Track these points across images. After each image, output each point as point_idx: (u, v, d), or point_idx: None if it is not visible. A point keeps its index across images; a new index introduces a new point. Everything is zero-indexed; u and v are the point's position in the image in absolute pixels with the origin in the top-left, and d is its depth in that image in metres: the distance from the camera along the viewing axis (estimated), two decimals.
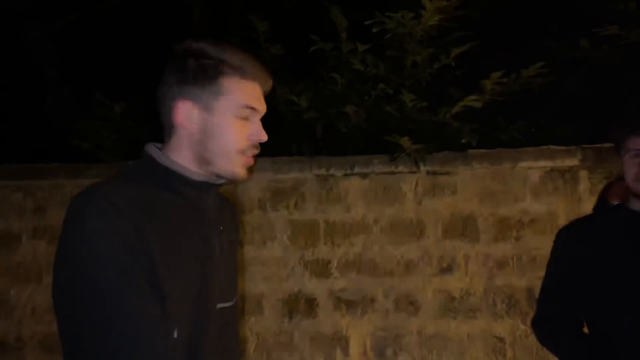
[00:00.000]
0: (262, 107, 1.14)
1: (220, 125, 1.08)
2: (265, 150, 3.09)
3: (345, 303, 2.77)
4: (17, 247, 2.90)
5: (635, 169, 1.53)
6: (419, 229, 2.80)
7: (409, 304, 2.75)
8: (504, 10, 3.65)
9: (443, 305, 2.73)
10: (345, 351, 2.75)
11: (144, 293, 0.97)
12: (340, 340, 2.75)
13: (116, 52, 3.88)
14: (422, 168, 2.79)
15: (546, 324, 1.68)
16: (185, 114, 1.09)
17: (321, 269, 2.80)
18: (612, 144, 1.63)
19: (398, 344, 2.73)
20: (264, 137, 1.13)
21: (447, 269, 2.76)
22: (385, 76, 3.00)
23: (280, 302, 2.79)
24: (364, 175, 2.84)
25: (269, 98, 3.02)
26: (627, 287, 1.53)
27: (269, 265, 2.79)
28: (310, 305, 2.79)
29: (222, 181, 1.14)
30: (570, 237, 1.67)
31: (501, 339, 2.67)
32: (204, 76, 1.08)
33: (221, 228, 1.14)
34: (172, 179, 1.09)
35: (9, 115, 3.92)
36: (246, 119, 1.10)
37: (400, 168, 2.81)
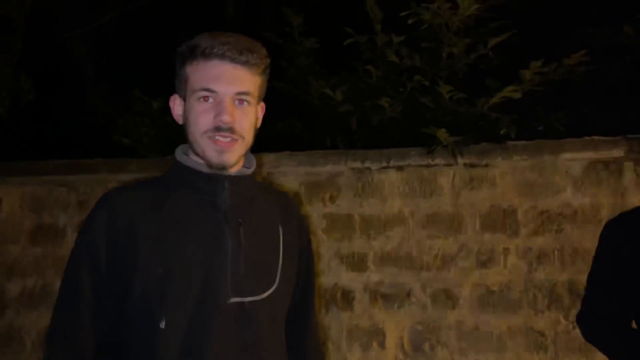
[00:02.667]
0: (222, 87, 1.09)
1: (189, 112, 1.11)
2: (300, 144, 3.10)
3: (381, 296, 2.77)
4: (62, 241, 2.99)
5: None
6: (456, 222, 2.77)
7: (447, 298, 2.72)
8: None
9: (482, 299, 2.69)
10: (383, 344, 2.74)
11: (93, 291, 1.12)
12: (377, 334, 2.75)
13: (154, 48, 3.95)
14: (460, 160, 2.75)
15: (593, 320, 1.63)
16: (174, 106, 1.17)
17: (357, 263, 2.80)
18: None
19: (436, 338, 2.71)
20: (226, 119, 1.09)
21: (485, 263, 2.72)
22: (420, 68, 2.96)
23: (317, 296, 2.80)
24: (400, 168, 2.82)
25: (302, 92, 2.98)
26: None
27: None
28: (347, 298, 2.79)
29: (235, 173, 1.14)
30: (617, 231, 1.62)
31: (542, 334, 2.62)
32: (178, 69, 1.14)
33: (240, 220, 1.13)
34: (187, 174, 1.14)
35: (52, 112, 4.04)
36: (206, 100, 1.09)
37: (437, 160, 2.77)
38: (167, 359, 1.04)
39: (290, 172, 2.83)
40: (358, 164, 2.83)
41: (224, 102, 1.09)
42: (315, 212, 2.84)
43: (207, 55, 1.09)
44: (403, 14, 2.92)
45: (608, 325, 1.61)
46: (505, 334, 2.66)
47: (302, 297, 1.30)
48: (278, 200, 1.27)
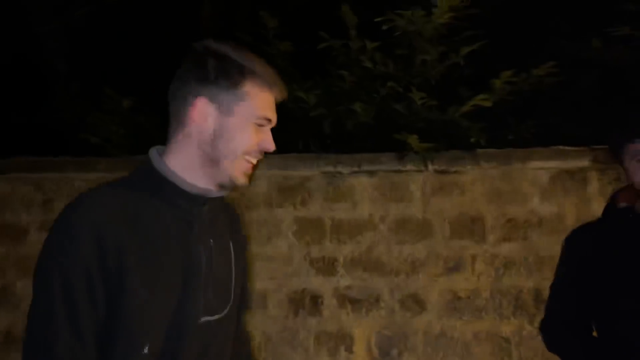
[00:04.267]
0: (275, 119, 1.17)
1: (236, 128, 1.10)
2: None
3: (350, 301, 2.76)
4: (24, 240, 2.92)
5: None
6: (426, 228, 2.79)
7: (415, 303, 2.74)
8: (515, 9, 3.62)
9: (449, 305, 2.72)
10: (350, 349, 2.74)
11: (79, 326, 1.02)
12: (345, 339, 2.75)
13: (126, 46, 3.89)
14: (430, 167, 2.77)
15: (555, 328, 1.66)
16: (202, 111, 1.10)
17: (327, 267, 2.80)
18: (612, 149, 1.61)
19: (403, 344, 2.72)
20: (272, 147, 1.15)
21: (453, 269, 2.74)
22: (394, 74, 2.99)
23: (285, 299, 2.79)
24: (371, 173, 2.83)
25: None
26: (636, 290, 1.52)
27: (274, 262, 2.79)
28: (315, 302, 2.78)
29: (219, 194, 1.14)
30: (580, 240, 1.66)
31: (507, 340, 2.65)
32: (226, 78, 1.10)
33: (211, 241, 1.14)
34: (166, 188, 1.10)
35: (19, 108, 3.94)
36: (261, 126, 1.12)
37: (408, 166, 2.80)
38: None
39: (260, 175, 2.82)
40: (330, 168, 2.84)
41: (269, 132, 1.16)
42: (286, 216, 2.82)
43: (271, 85, 1.12)
44: (378, 19, 2.94)
45: (569, 332, 1.64)
46: (471, 339, 2.69)
47: (241, 309, 1.31)
48: (227, 213, 1.26)
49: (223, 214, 1.21)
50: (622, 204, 1.61)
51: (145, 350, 1.03)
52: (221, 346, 1.17)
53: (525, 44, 3.46)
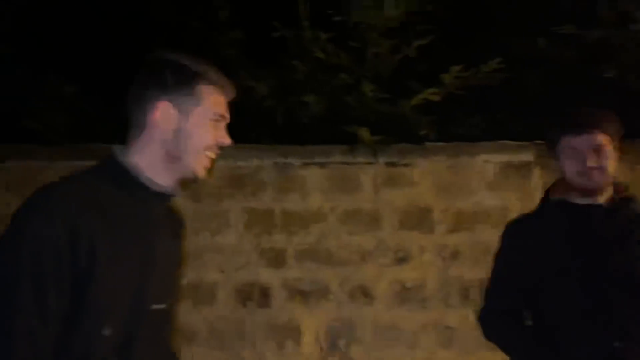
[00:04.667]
0: (228, 117, 1.29)
1: (195, 127, 1.21)
2: None
3: (299, 293, 2.76)
4: None
5: (576, 165, 1.57)
6: (375, 219, 2.81)
7: (364, 294, 2.76)
8: (466, 6, 3.68)
9: (397, 296, 2.75)
10: (298, 341, 2.73)
11: (46, 317, 1.07)
12: (293, 331, 2.74)
13: (72, 32, 3.74)
14: (381, 159, 2.79)
15: (492, 318, 1.70)
16: (163, 114, 1.21)
17: (276, 258, 2.78)
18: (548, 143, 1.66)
19: (351, 335, 2.74)
20: (228, 141, 1.26)
21: (402, 260, 2.78)
22: (346, 66, 2.99)
23: (234, 291, 2.76)
24: (322, 165, 2.83)
25: None
26: (566, 279, 1.57)
27: (224, 253, 2.75)
28: (265, 294, 2.76)
29: (178, 191, 1.27)
30: (516, 232, 1.70)
31: (453, 329, 2.71)
32: (183, 83, 1.22)
33: (164, 236, 1.26)
34: (130, 182, 1.21)
35: None
36: (217, 122, 1.24)
37: (359, 159, 2.81)
38: None
39: None
40: (281, 159, 2.82)
41: (225, 128, 1.27)
42: (236, 207, 2.79)
43: (222, 86, 1.26)
44: (330, 11, 2.93)
45: (506, 322, 1.68)
46: (419, 329, 2.73)
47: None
48: (174, 217, 1.35)
49: (173, 215, 1.33)
50: (556, 196, 1.67)
51: (105, 332, 1.11)
52: (166, 339, 1.28)
53: (475, 41, 3.52)
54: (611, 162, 1.59)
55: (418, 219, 2.80)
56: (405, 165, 2.82)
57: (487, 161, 2.80)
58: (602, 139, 1.57)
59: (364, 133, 2.70)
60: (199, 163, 1.21)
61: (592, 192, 1.59)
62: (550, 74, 3.35)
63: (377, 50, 3.01)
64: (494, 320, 1.70)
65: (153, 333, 1.20)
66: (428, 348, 2.71)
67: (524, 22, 3.62)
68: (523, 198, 2.78)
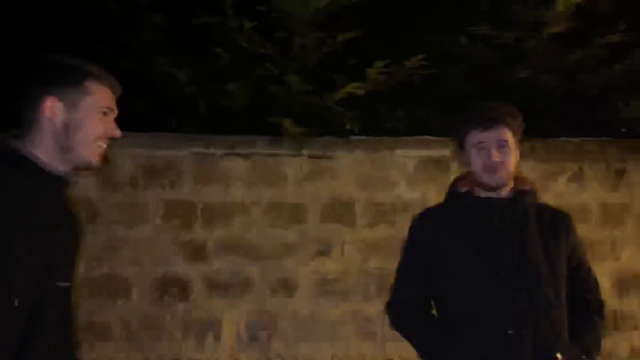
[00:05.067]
0: (116, 110, 1.37)
1: (85, 119, 1.32)
2: (140, 125, 2.89)
3: (220, 286, 2.70)
4: None
5: (482, 160, 1.63)
6: (298, 212, 2.80)
7: (285, 287, 2.75)
8: (392, 2, 3.73)
9: (318, 288, 2.76)
10: (218, 336, 2.68)
11: None
12: (214, 325, 2.68)
13: None
14: (304, 151, 2.78)
15: (398, 308, 1.73)
16: (52, 108, 1.30)
17: (196, 251, 2.71)
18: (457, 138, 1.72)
19: (272, 327, 2.72)
20: (117, 132, 1.35)
21: (324, 252, 2.79)
22: (272, 56, 2.94)
23: (150, 286, 2.66)
24: (245, 156, 2.78)
25: (146, 69, 2.81)
26: (469, 270, 1.62)
27: (139, 247, 2.65)
28: (183, 288, 2.68)
29: (74, 179, 1.35)
30: (423, 223, 1.74)
31: (371, 320, 2.75)
32: (70, 80, 1.32)
33: (67, 217, 1.36)
34: (30, 168, 1.29)
35: None
36: (105, 115, 1.33)
37: (283, 150, 2.78)
38: (18, 332, 1.21)
39: (126, 154, 2.65)
40: (202, 149, 2.74)
41: (113, 120, 1.36)
42: (153, 198, 2.69)
43: (107, 82, 1.35)
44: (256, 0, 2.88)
45: (410, 312, 1.71)
46: (338, 321, 2.75)
47: None
48: (68, 198, 1.41)
49: (69, 206, 1.40)
50: (463, 189, 1.72)
51: (16, 304, 1.19)
52: (70, 315, 1.35)
53: (400, 38, 3.58)
54: (513, 157, 1.65)
55: (340, 211, 2.81)
56: (329, 158, 2.83)
57: (407, 156, 2.86)
58: (506, 134, 1.63)
59: (289, 124, 2.68)
60: (91, 152, 1.32)
61: (495, 188, 1.65)
62: (471, 73, 3.46)
63: (304, 41, 2.99)
64: (400, 311, 1.74)
65: (60, 311, 1.28)
66: (347, 339, 2.74)
67: (447, 21, 3.72)
68: (441, 192, 2.83)
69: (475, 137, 1.64)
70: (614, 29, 3.07)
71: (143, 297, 2.65)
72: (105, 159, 1.36)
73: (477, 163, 1.65)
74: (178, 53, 2.95)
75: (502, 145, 1.63)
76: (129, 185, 2.65)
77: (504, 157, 1.63)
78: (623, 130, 3.03)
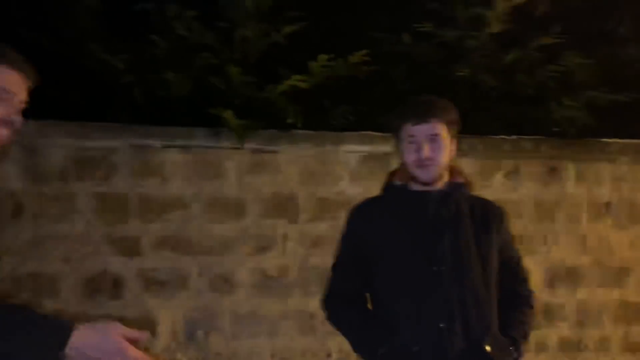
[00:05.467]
0: (19, 93, 1.25)
1: None
2: (71, 114, 2.74)
3: (155, 283, 2.61)
4: None
5: (414, 155, 1.63)
6: (239, 206, 2.74)
7: (224, 283, 2.68)
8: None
9: (259, 284, 2.71)
10: (154, 334, 2.58)
11: None
12: (149, 323, 2.58)
13: None
14: (246, 145, 2.72)
15: (333, 303, 1.72)
16: None
17: (130, 247, 2.59)
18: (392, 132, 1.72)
19: (210, 324, 2.65)
20: (17, 120, 1.22)
21: (265, 248, 2.74)
22: (213, 46, 2.86)
23: (80, 283, 2.53)
24: (184, 148, 2.68)
25: (80, 55, 2.67)
26: (402, 264, 1.62)
27: (69, 242, 2.51)
28: (116, 286, 2.57)
29: None
30: (358, 216, 1.73)
31: (313, 316, 2.73)
32: None
33: None
34: None
35: None
36: (5, 99, 1.22)
37: (224, 143, 2.71)
38: None
39: (56, 144, 2.50)
40: (139, 141, 2.63)
41: (16, 105, 1.23)
42: (85, 191, 2.55)
43: (12, 64, 1.23)
44: None
45: (344, 306, 1.70)
46: (279, 317, 2.71)
47: None
48: None
49: None
50: (398, 182, 1.72)
51: None
52: None
53: (345, 33, 3.58)
54: (446, 151, 1.65)
55: (283, 207, 2.77)
56: (272, 152, 2.78)
57: (351, 151, 2.85)
58: (438, 127, 1.64)
59: (229, 116, 2.61)
60: None
61: (428, 182, 1.65)
62: (414, 70, 3.50)
63: (246, 32, 2.92)
64: (335, 305, 1.72)
65: None
66: (288, 335, 2.71)
67: (392, 18, 3.75)
68: None
69: (407, 130, 1.64)
70: (548, 31, 3.18)
71: (72, 295, 2.51)
72: (8, 145, 1.23)
73: (409, 157, 1.65)
74: (114, 40, 2.82)
75: (433, 140, 1.63)
76: (57, 178, 2.50)
77: (435, 151, 1.63)
78: (556, 129, 3.14)
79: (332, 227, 2.80)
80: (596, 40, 3.64)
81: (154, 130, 2.64)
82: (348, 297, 1.69)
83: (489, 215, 1.71)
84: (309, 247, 2.77)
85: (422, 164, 1.62)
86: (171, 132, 2.67)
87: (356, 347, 1.67)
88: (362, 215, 1.73)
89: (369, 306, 1.71)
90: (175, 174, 2.67)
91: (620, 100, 3.24)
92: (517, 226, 1.82)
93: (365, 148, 2.88)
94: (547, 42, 3.17)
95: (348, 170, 2.86)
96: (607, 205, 3.07)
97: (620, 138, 3.14)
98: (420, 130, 1.62)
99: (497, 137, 3.05)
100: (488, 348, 1.59)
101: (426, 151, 1.61)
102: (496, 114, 3.28)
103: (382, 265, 1.64)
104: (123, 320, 2.58)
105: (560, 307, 2.99)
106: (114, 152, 2.60)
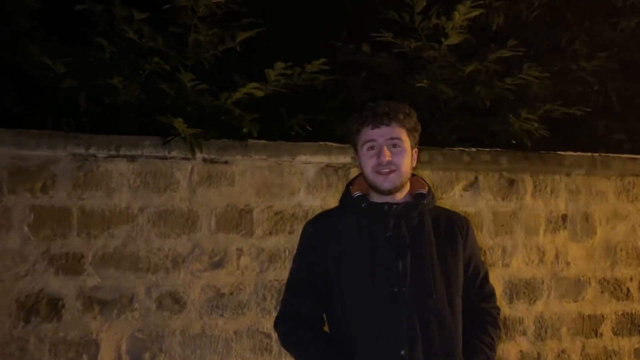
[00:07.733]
0: None
1: None
2: (6, 120, 2.55)
3: (98, 303, 2.42)
4: None
5: (373, 160, 1.55)
6: (191, 220, 2.59)
7: (174, 302, 2.52)
8: (296, 5, 3.65)
9: (210, 302, 2.56)
10: (95, 357, 2.40)
11: None
12: (90, 346, 2.40)
13: None
14: (198, 155, 2.58)
15: (287, 324, 1.60)
16: None
17: (71, 265, 2.41)
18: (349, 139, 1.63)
19: (158, 346, 2.48)
20: None
21: (218, 264, 2.60)
22: (163, 51, 2.72)
23: (14, 304, 2.32)
24: (131, 158, 2.52)
25: (18, 58, 2.49)
26: (360, 282, 1.52)
27: (2, 260, 2.31)
28: (54, 306, 2.37)
29: None
30: (314, 230, 1.63)
31: (268, 335, 2.60)
32: None
33: None
34: None
35: None
36: None
37: (174, 153, 2.57)
38: None
39: None
40: (81, 150, 2.45)
41: None
42: (20, 204, 2.36)
43: None
44: None
45: (299, 329, 1.58)
46: (232, 336, 2.57)
47: None
48: None
49: None
50: (356, 193, 1.62)
51: None
52: None
53: (303, 41, 3.50)
54: (408, 158, 1.57)
55: (237, 220, 2.64)
56: (225, 162, 2.65)
57: (308, 162, 2.76)
58: (399, 132, 1.56)
59: (180, 124, 2.47)
60: None
61: (388, 192, 1.56)
62: (372, 79, 3.45)
63: (199, 37, 2.80)
64: (289, 327, 1.59)
65: None
66: (242, 356, 2.57)
67: (350, 26, 3.70)
68: None
69: (366, 135, 1.55)
70: (506, 45, 3.19)
71: (5, 317, 2.30)
72: None
73: (368, 164, 1.56)
74: (55, 42, 2.64)
75: (394, 144, 1.54)
76: None
77: (396, 156, 1.54)
78: (513, 141, 3.14)
79: (289, 241, 2.70)
80: (551, 54, 3.70)
81: (99, 139, 2.48)
82: (303, 318, 1.57)
83: (454, 228, 1.63)
84: (265, 263, 2.65)
85: (382, 170, 1.53)
86: (117, 140, 2.50)
87: None
88: (318, 229, 1.63)
89: (326, 329, 1.60)
90: (122, 186, 2.51)
91: (573, 114, 3.28)
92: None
93: (323, 159, 2.79)
94: (504, 54, 3.18)
95: (305, 181, 2.76)
96: (564, 217, 3.08)
97: (573, 151, 3.17)
98: (380, 133, 1.54)
99: (456, 149, 3.03)
100: None
101: (387, 155, 1.52)
102: (454, 125, 3.27)
103: (339, 284, 1.54)
104: (61, 344, 2.39)
105: (520, 321, 2.97)
106: (53, 162, 2.41)
